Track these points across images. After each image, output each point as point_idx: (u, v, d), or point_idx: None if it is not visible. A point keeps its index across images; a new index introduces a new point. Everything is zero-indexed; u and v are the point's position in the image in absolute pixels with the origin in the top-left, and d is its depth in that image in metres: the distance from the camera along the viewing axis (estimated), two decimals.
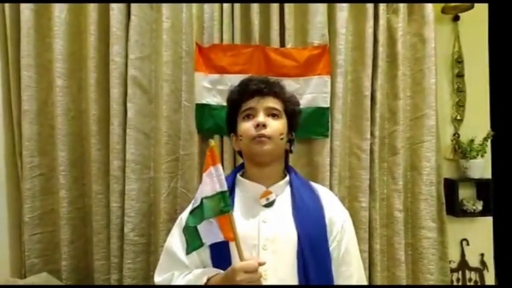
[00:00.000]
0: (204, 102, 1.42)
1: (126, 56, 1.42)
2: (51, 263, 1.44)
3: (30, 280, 1.28)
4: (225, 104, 1.41)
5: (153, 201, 1.46)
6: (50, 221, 1.45)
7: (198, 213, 0.91)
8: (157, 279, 1.03)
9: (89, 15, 1.41)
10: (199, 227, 0.91)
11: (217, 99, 1.44)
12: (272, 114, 1.06)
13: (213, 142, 0.92)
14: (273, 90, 1.09)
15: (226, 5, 1.43)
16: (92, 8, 1.40)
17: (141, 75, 1.44)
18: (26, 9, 1.39)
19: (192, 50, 1.43)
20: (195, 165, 1.42)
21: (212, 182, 0.89)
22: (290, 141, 1.12)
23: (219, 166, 0.90)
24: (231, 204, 0.98)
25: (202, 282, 0.93)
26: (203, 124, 1.42)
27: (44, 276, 1.30)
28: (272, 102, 1.07)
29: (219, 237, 0.91)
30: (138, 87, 1.43)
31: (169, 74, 1.43)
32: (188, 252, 0.95)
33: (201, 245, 0.92)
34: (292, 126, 1.11)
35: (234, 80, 1.41)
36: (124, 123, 1.42)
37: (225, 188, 0.89)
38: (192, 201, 0.96)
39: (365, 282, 1.07)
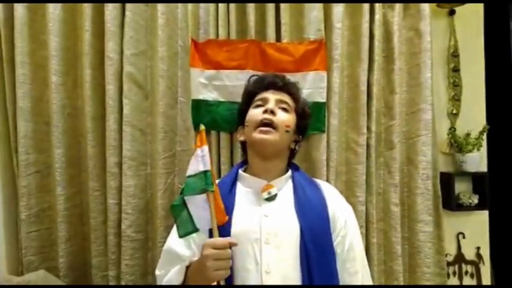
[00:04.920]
0: (200, 98, 1.42)
1: (122, 52, 1.41)
2: (48, 260, 1.44)
3: (27, 277, 1.27)
4: (221, 99, 1.43)
5: (150, 197, 1.46)
6: (46, 218, 1.45)
7: (182, 192, 0.93)
8: (158, 272, 1.04)
9: (83, 11, 1.40)
10: (192, 211, 0.92)
11: (213, 95, 1.43)
12: (283, 107, 1.07)
13: (203, 126, 0.95)
14: (287, 86, 1.12)
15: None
16: (87, 4, 1.39)
17: (137, 71, 1.43)
18: (19, 6, 1.37)
19: (187, 46, 1.42)
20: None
21: (196, 162, 0.92)
22: (296, 142, 1.13)
23: (205, 147, 0.92)
24: (232, 199, 1.01)
25: (185, 265, 0.95)
26: (200, 120, 1.41)
27: (41, 274, 1.30)
28: (284, 97, 1.09)
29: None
30: (133, 83, 1.42)
31: (165, 69, 1.42)
32: (181, 235, 0.94)
33: (195, 230, 0.92)
34: (300, 127, 1.12)
35: (230, 75, 1.42)
36: (120, 119, 1.42)
37: (208, 167, 0.91)
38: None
39: (369, 279, 1.07)
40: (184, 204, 0.92)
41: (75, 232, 1.46)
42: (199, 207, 0.91)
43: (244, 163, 1.15)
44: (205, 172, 0.91)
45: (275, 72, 1.20)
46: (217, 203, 0.91)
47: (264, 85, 1.11)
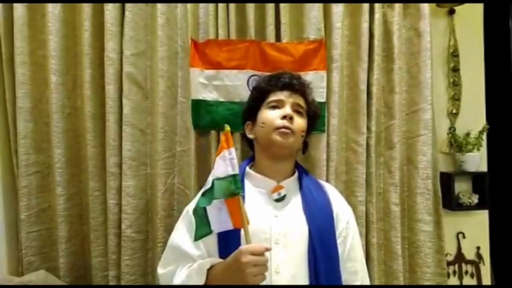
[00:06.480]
0: (200, 98, 1.42)
1: (121, 52, 1.41)
2: (48, 260, 1.44)
3: (27, 278, 1.27)
4: (221, 99, 1.43)
5: (150, 197, 1.46)
6: (46, 218, 1.45)
7: (209, 194, 0.92)
8: (161, 271, 1.03)
9: (83, 11, 1.40)
10: (209, 213, 0.91)
11: (213, 95, 1.43)
12: (297, 111, 1.08)
13: (228, 127, 0.93)
14: (303, 88, 1.12)
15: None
16: (86, 4, 1.39)
17: (137, 71, 1.43)
18: (19, 5, 1.37)
19: (187, 46, 1.42)
20: (191, 162, 1.42)
21: (225, 164, 0.91)
22: (304, 143, 1.14)
23: (233, 149, 0.91)
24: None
25: (206, 268, 0.94)
26: (199, 120, 1.42)
27: (41, 274, 1.30)
28: (300, 100, 1.10)
29: (228, 226, 0.91)
30: (133, 83, 1.42)
31: (164, 70, 1.42)
32: (196, 238, 0.94)
33: (210, 232, 0.92)
34: (309, 128, 1.13)
35: (230, 75, 1.42)
36: (120, 119, 1.41)
37: (237, 171, 0.91)
38: (204, 186, 0.96)
39: (367, 279, 1.10)
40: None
41: (75, 232, 1.46)
42: (216, 208, 0.91)
43: (251, 159, 1.15)
44: (234, 175, 0.90)
45: (289, 71, 1.18)
46: (240, 205, 0.91)
47: (279, 85, 1.09)
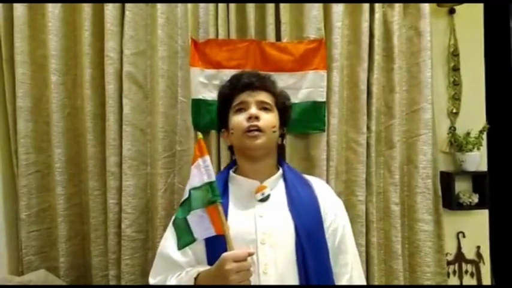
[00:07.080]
0: (200, 97, 1.42)
1: (121, 52, 1.41)
2: (48, 260, 1.44)
3: (27, 277, 1.27)
4: None
5: (150, 197, 1.46)
6: (46, 218, 1.45)
7: (186, 205, 0.91)
8: (152, 281, 1.02)
9: (83, 10, 1.40)
10: (190, 221, 0.91)
11: (213, 95, 1.43)
12: (264, 108, 1.06)
13: (201, 135, 0.94)
14: (264, 84, 1.09)
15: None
16: (86, 3, 1.39)
17: (137, 70, 1.43)
18: (19, 5, 1.37)
19: (187, 45, 1.42)
20: (191, 161, 1.41)
21: (200, 173, 0.90)
22: (282, 136, 1.13)
23: (207, 157, 0.91)
24: (225, 201, 1.00)
25: (193, 276, 0.93)
26: (199, 119, 1.42)
27: (41, 273, 1.30)
28: (263, 96, 1.07)
29: (211, 232, 0.90)
30: (133, 83, 1.42)
31: (164, 69, 1.42)
32: (180, 247, 0.94)
33: (193, 240, 0.91)
34: (283, 120, 1.11)
35: (230, 75, 1.39)
36: (120, 119, 1.41)
37: (213, 178, 0.90)
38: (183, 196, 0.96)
39: (360, 270, 1.09)
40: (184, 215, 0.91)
41: (75, 232, 1.46)
42: (197, 216, 0.90)
43: (235, 163, 1.14)
44: (210, 183, 0.89)
45: (248, 70, 1.17)
46: (219, 213, 0.90)
47: (239, 87, 1.07)
